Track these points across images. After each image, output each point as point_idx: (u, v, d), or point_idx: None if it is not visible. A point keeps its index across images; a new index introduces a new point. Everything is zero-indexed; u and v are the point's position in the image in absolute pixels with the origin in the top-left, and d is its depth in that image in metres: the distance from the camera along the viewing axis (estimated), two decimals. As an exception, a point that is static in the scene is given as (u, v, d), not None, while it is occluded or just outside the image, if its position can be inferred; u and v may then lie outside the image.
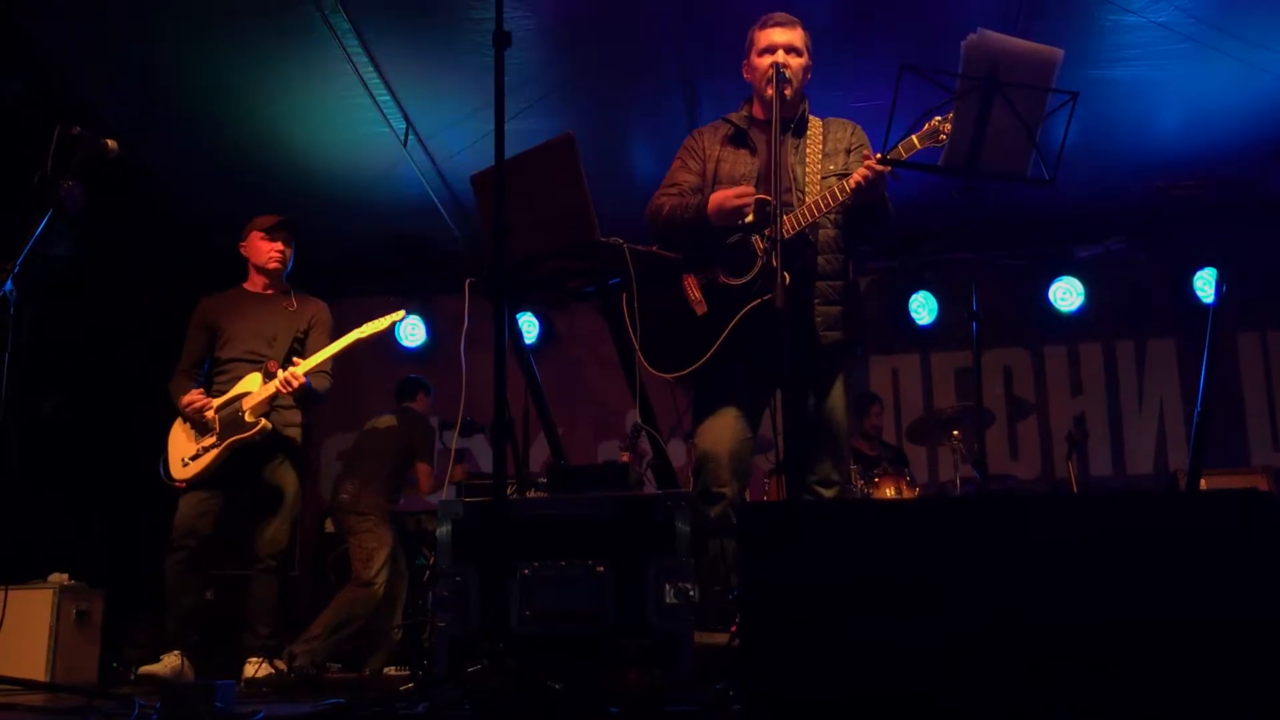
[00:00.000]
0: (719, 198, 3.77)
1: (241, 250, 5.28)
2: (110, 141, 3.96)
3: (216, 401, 4.98)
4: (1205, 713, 2.07)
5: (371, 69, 6.17)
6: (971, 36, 3.48)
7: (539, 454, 7.34)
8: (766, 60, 3.83)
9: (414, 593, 6.44)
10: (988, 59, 3.47)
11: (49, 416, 6.34)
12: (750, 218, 3.71)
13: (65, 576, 5.71)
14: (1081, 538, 2.21)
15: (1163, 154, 6.76)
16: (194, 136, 6.76)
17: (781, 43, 3.87)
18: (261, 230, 5.21)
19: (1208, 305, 7.47)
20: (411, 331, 8.66)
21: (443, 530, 3.19)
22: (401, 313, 5.20)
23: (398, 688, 3.30)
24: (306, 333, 5.21)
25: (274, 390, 4.89)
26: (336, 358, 5.10)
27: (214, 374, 5.13)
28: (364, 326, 5.08)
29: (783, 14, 3.96)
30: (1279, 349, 7.87)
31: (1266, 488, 6.18)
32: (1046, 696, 2.12)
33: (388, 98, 6.43)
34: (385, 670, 5.61)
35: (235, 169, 6.99)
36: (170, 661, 4.77)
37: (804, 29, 3.95)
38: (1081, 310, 8.07)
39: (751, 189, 3.75)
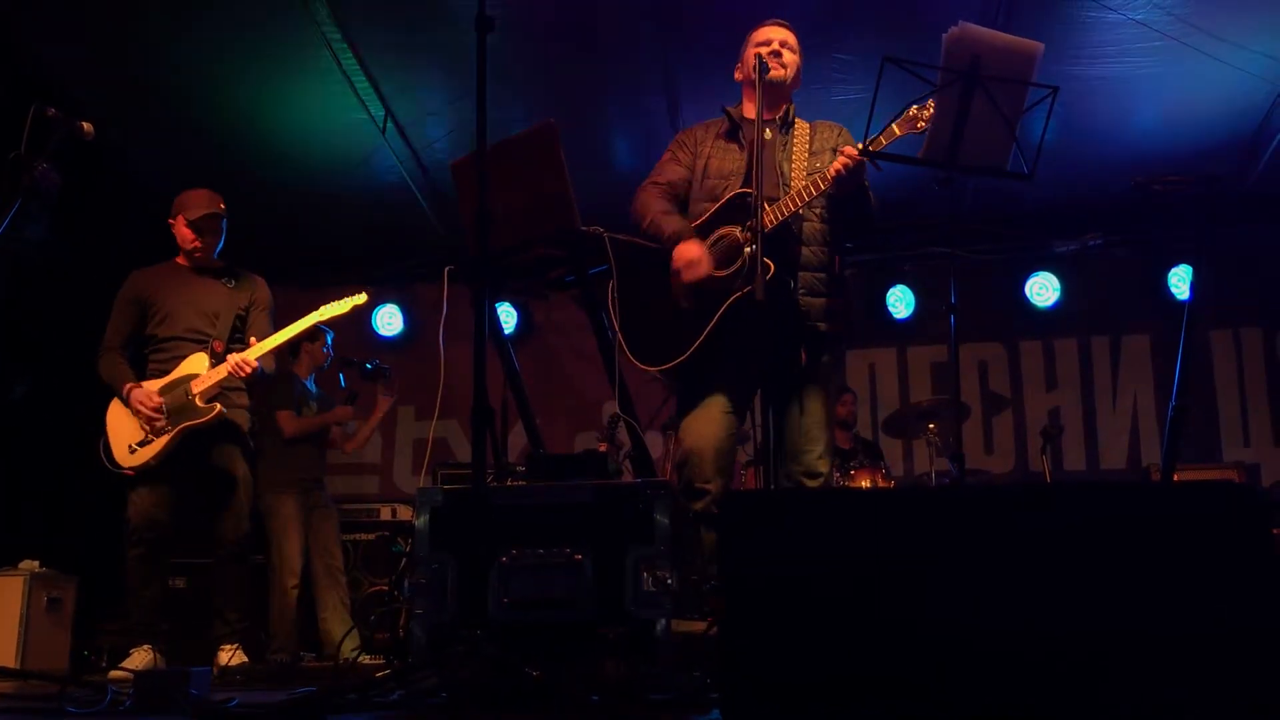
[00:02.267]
0: (683, 250, 3.73)
1: (171, 227, 5.07)
2: (85, 124, 3.92)
3: (160, 384, 4.85)
4: (1181, 699, 2.08)
5: (350, 56, 6.13)
6: (953, 29, 3.50)
7: (516, 443, 7.33)
8: (760, 50, 3.89)
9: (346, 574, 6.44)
10: (969, 52, 3.49)
11: (21, 401, 6.27)
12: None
13: (36, 563, 5.67)
14: (1062, 527, 2.23)
15: (1140, 151, 6.79)
16: (170, 121, 6.71)
17: (778, 38, 3.96)
18: (186, 219, 4.99)
19: (1182, 302, 7.52)
20: (389, 320, 8.63)
21: (421, 518, 3.18)
22: (363, 296, 5.07)
23: (374, 675, 3.29)
24: (248, 310, 5.06)
25: (225, 374, 4.78)
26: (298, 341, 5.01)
27: (151, 352, 4.97)
28: (322, 309, 4.97)
29: (777, 18, 4.05)
30: (1251, 346, 7.94)
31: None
32: (1026, 682, 2.14)
33: (366, 85, 6.39)
34: (361, 658, 5.59)
35: (212, 154, 6.93)
36: (140, 658, 4.71)
37: (794, 33, 4.04)
38: (1057, 305, 8.12)
39: (706, 267, 3.72)
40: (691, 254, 3.73)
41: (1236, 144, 6.89)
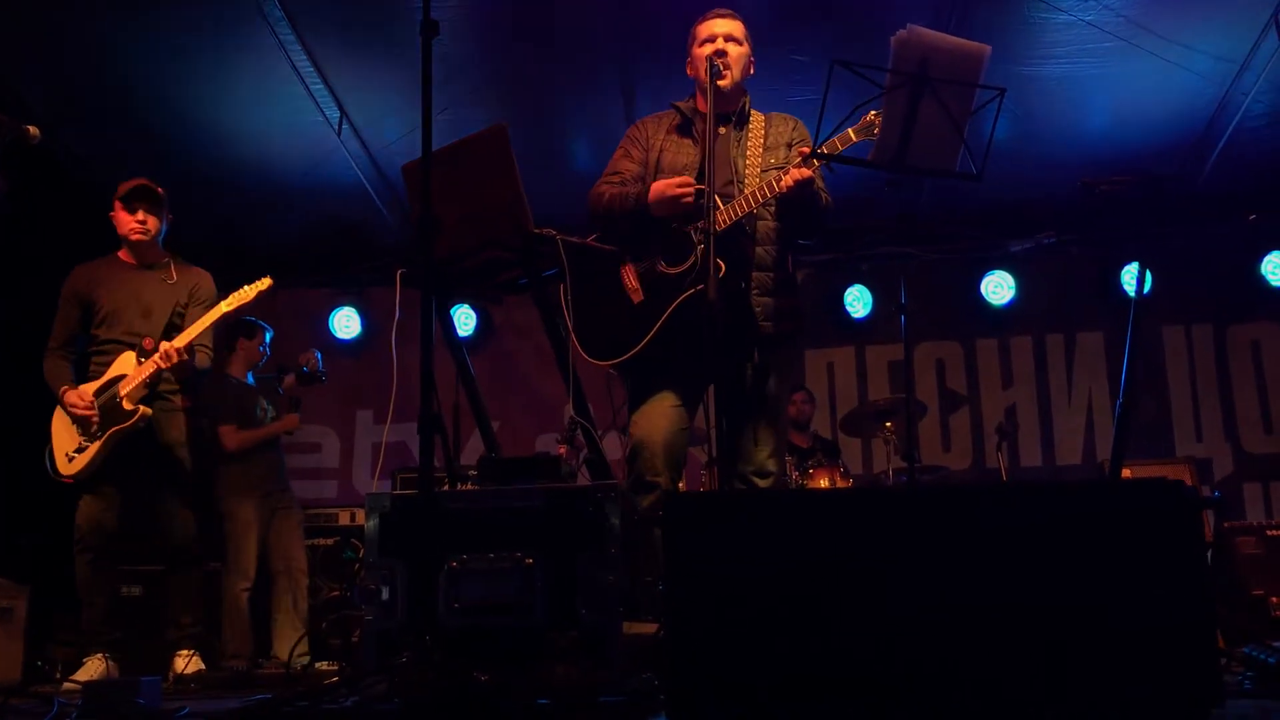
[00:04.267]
0: (659, 187, 3.79)
1: (112, 219, 4.98)
2: (32, 128, 3.85)
3: (93, 387, 4.77)
4: (1144, 694, 2.12)
5: (305, 57, 6.10)
6: (901, 32, 3.51)
7: (476, 447, 7.30)
8: (707, 49, 3.87)
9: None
10: (917, 55, 3.51)
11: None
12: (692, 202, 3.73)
13: (-13, 572, 5.59)
14: (1003, 526, 2.25)
15: (1092, 150, 6.87)
16: (122, 123, 6.64)
17: (721, 32, 3.93)
18: (119, 199, 4.90)
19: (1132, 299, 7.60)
20: (346, 323, 8.57)
21: (370, 523, 3.17)
22: (268, 280, 4.91)
23: (324, 682, 3.27)
24: (186, 306, 4.95)
25: (152, 369, 4.68)
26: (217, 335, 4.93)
27: (93, 354, 4.88)
28: (230, 298, 4.83)
29: (721, 8, 4.02)
30: (1203, 342, 8.05)
31: (1189, 478, 6.32)
32: (970, 679, 2.16)
33: (321, 86, 6.35)
34: (317, 665, 5.55)
35: (165, 157, 6.85)
36: (93, 667, 4.67)
37: (742, 21, 3.99)
38: (1013, 303, 8.20)
39: (692, 179, 3.76)
40: (670, 184, 3.75)
41: (1186, 143, 6.98)
